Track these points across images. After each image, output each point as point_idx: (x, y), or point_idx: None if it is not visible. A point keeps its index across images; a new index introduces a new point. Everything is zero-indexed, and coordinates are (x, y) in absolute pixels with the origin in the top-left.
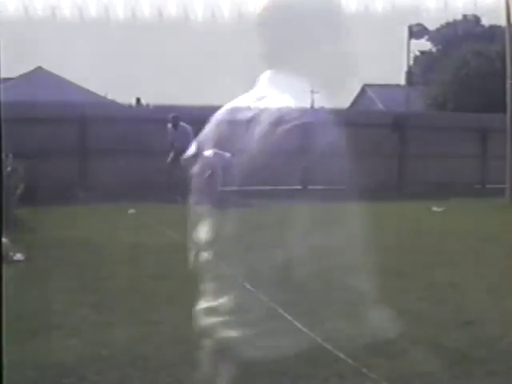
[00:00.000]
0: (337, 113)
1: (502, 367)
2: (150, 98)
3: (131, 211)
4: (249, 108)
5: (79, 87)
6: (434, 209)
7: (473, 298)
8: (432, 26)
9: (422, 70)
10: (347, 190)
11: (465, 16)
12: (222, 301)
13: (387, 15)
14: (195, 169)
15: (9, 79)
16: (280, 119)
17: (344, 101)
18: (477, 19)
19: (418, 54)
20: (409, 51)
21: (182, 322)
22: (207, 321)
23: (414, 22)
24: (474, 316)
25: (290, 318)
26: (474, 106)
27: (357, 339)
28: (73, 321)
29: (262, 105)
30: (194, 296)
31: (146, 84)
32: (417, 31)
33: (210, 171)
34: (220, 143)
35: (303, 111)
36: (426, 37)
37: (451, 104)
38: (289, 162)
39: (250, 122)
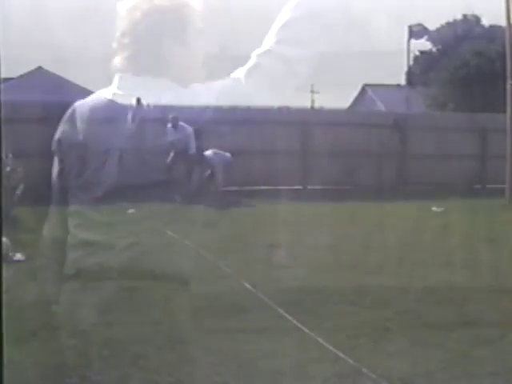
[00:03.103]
0: (337, 113)
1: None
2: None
3: (131, 211)
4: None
5: (79, 87)
6: (434, 209)
7: (472, 298)
8: (432, 26)
9: (421, 69)
10: (347, 190)
11: (465, 16)
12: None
13: (387, 15)
14: (195, 169)
15: (9, 79)
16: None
17: (344, 101)
18: (477, 19)
19: (417, 53)
20: (409, 51)
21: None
22: None
23: (414, 22)
24: (474, 316)
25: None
26: (474, 106)
27: None
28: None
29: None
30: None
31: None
32: (417, 31)
33: (209, 171)
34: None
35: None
36: (426, 37)
37: (451, 104)
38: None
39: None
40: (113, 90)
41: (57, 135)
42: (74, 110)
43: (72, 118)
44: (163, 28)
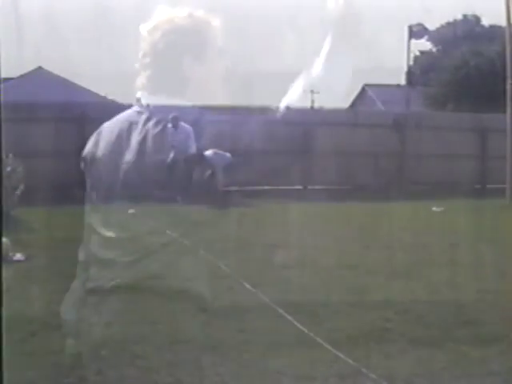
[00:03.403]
0: (337, 113)
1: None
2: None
3: (131, 211)
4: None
5: (79, 87)
6: (434, 209)
7: (472, 298)
8: (432, 25)
9: (422, 69)
10: (347, 190)
11: (465, 16)
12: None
13: (387, 15)
14: (195, 169)
15: (9, 79)
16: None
17: (344, 101)
18: (477, 19)
19: (418, 53)
20: (409, 51)
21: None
22: None
23: (414, 22)
24: (474, 316)
25: None
26: (474, 106)
27: None
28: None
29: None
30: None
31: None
32: (417, 31)
33: (210, 171)
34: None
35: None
36: (426, 37)
37: (451, 104)
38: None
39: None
40: (135, 108)
41: (84, 153)
42: (100, 130)
43: (97, 138)
44: (184, 47)
